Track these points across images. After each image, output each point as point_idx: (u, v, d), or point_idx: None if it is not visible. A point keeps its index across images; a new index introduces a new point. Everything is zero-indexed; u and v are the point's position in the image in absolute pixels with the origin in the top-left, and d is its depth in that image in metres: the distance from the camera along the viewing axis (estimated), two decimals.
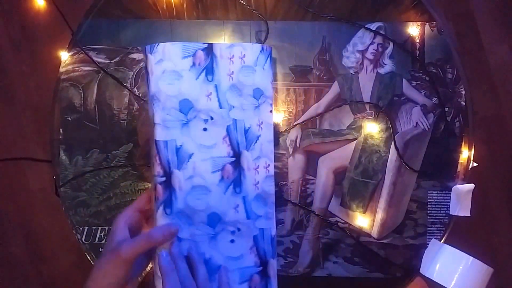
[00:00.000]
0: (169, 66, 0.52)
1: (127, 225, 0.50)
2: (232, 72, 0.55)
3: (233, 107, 0.55)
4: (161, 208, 0.52)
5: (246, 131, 0.55)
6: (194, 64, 0.53)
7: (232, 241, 0.53)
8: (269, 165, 0.56)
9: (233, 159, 0.54)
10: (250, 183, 0.54)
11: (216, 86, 0.54)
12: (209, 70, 0.54)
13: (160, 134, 0.52)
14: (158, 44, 0.53)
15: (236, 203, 0.54)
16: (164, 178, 0.52)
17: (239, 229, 0.54)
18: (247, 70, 0.55)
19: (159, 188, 0.52)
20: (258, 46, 0.57)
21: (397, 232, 0.69)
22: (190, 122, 0.53)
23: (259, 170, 0.55)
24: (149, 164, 0.56)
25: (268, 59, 0.57)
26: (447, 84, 0.69)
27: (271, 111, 0.57)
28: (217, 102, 0.54)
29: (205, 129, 0.53)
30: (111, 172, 0.69)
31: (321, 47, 0.69)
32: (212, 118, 0.54)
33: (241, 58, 0.55)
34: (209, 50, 0.54)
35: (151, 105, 0.53)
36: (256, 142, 0.55)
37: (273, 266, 0.55)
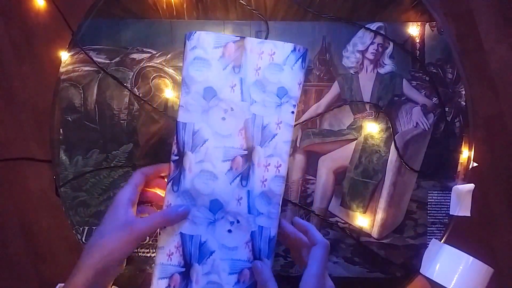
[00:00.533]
0: (200, 54, 0.55)
1: (130, 202, 0.52)
2: (260, 67, 0.56)
3: (255, 101, 0.56)
4: (170, 184, 0.55)
5: (263, 128, 0.55)
6: (223, 55, 0.56)
7: (229, 231, 0.54)
8: (280, 165, 0.56)
9: (245, 152, 0.55)
10: (258, 179, 0.55)
11: (241, 79, 0.55)
12: (237, 62, 0.56)
13: (181, 116, 0.55)
14: (195, 32, 0.56)
15: (240, 195, 0.54)
16: (177, 157, 0.55)
17: (238, 221, 0.54)
18: (275, 68, 0.56)
19: (172, 165, 0.55)
20: (290, 45, 0.57)
21: (397, 232, 0.69)
22: (211, 109, 0.55)
23: (269, 168, 0.55)
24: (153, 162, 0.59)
25: (300, 59, 0.57)
26: (447, 84, 0.69)
27: (292, 112, 0.57)
28: (240, 94, 0.55)
29: (223, 119, 0.55)
30: (111, 172, 0.69)
31: (321, 47, 0.69)
32: (232, 109, 0.55)
33: (271, 55, 0.56)
34: (240, 43, 0.56)
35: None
36: (271, 140, 0.55)
37: (266, 268, 0.54)
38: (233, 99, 0.55)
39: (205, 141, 0.54)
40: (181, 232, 0.54)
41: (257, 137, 0.55)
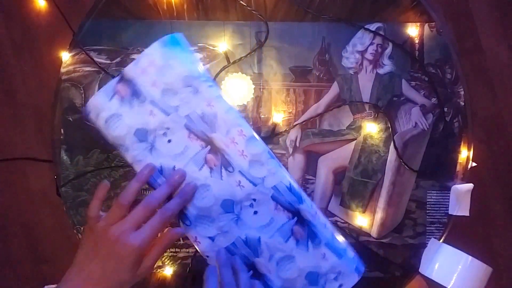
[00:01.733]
0: (105, 115, 0.54)
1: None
2: (154, 80, 0.55)
3: (177, 106, 0.55)
4: (181, 223, 0.55)
5: (202, 118, 0.55)
6: (121, 98, 0.55)
7: (255, 212, 0.55)
8: (241, 130, 0.55)
9: (208, 147, 0.55)
10: (236, 156, 0.55)
11: (151, 101, 0.55)
12: (136, 94, 0.55)
13: (139, 168, 0.54)
14: (85, 106, 0.55)
15: (236, 180, 0.54)
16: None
17: (254, 200, 0.55)
18: (164, 70, 0.55)
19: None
20: (155, 45, 0.56)
21: (396, 231, 0.69)
22: (154, 144, 0.55)
23: (236, 140, 0.55)
24: None
25: (173, 45, 0.56)
26: (446, 84, 0.70)
27: (210, 85, 0.56)
28: (161, 112, 0.55)
29: (169, 141, 0.55)
30: (112, 172, 0.69)
31: (321, 48, 0.70)
32: (168, 128, 0.55)
33: (151, 64, 0.55)
34: (123, 79, 0.55)
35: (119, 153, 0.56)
36: (216, 120, 0.55)
37: (305, 210, 0.54)
38: (160, 120, 0.55)
39: (173, 168, 0.54)
40: (224, 248, 0.54)
41: (205, 129, 0.55)
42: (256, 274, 0.54)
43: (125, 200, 0.49)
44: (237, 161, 0.55)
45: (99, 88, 0.70)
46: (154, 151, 0.54)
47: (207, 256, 0.54)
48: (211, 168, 0.54)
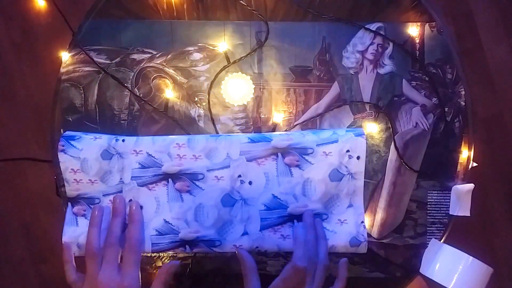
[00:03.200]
0: (83, 238, 0.57)
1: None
2: (88, 179, 0.59)
3: (120, 179, 0.59)
4: (213, 249, 0.57)
5: (143, 167, 0.58)
6: (84, 216, 0.59)
7: (250, 183, 0.56)
8: (176, 144, 0.58)
9: (170, 180, 0.57)
10: (194, 164, 0.57)
11: (104, 195, 0.59)
12: (90, 201, 0.59)
13: (146, 246, 0.58)
14: (63, 244, 0.60)
15: (212, 178, 0.56)
16: (178, 240, 0.58)
17: (239, 176, 0.56)
18: (84, 167, 0.59)
19: (200, 247, 0.58)
20: (60, 155, 0.60)
21: (397, 232, 0.69)
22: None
23: (181, 154, 0.57)
24: None
25: (72, 141, 0.61)
26: (446, 84, 0.70)
27: (123, 140, 0.60)
28: (116, 194, 0.58)
29: (141, 207, 0.58)
30: None
31: (321, 48, 0.70)
32: (131, 200, 0.58)
33: (74, 172, 0.59)
34: (72, 200, 0.60)
35: None
36: (153, 157, 0.58)
37: (278, 141, 0.56)
38: (123, 200, 0.57)
39: (165, 221, 0.57)
40: (259, 231, 0.56)
41: (153, 171, 0.57)
42: (298, 218, 0.56)
43: (93, 249, 0.52)
44: (199, 166, 0.56)
45: (99, 88, 0.70)
46: (142, 189, 0.58)
47: (257, 247, 0.56)
48: (188, 191, 0.56)
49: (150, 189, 0.56)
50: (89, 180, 0.58)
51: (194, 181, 0.56)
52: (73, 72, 0.70)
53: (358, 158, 0.57)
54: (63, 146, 0.59)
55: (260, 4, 0.70)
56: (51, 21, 0.78)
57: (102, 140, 0.59)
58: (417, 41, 0.70)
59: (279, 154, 0.56)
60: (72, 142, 0.59)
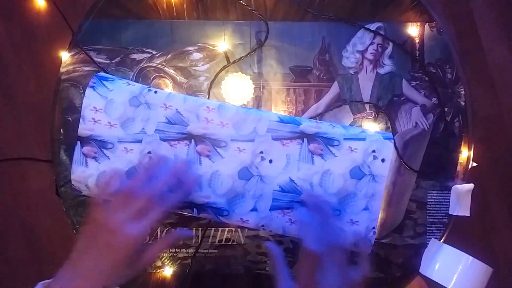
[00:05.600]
0: (92, 181, 0.57)
1: None
2: (108, 122, 0.57)
3: (142, 129, 0.57)
4: (220, 218, 0.57)
5: (170, 122, 0.56)
6: (95, 158, 0.57)
7: (270, 161, 0.56)
8: (207, 107, 0.57)
9: (193, 141, 0.56)
10: (219, 130, 0.56)
11: (119, 142, 0.57)
12: (102, 145, 0.57)
13: None
14: (72, 185, 0.59)
15: (235, 149, 0.55)
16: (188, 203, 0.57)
17: (262, 152, 0.56)
18: (109, 107, 0.57)
19: (207, 212, 0.57)
20: (88, 91, 0.58)
21: (396, 231, 0.69)
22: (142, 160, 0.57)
23: (209, 118, 0.56)
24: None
25: (104, 81, 0.59)
26: (446, 84, 0.70)
27: (155, 92, 0.58)
28: (135, 144, 0.57)
29: (149, 152, 0.57)
30: None
31: (321, 47, 0.70)
32: (150, 152, 0.57)
33: (96, 111, 0.57)
34: (82, 140, 0.58)
35: None
36: (182, 115, 0.56)
37: (307, 128, 0.56)
38: (138, 151, 0.56)
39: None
40: (269, 210, 0.55)
41: (178, 128, 0.56)
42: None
43: (134, 187, 0.49)
44: (223, 133, 0.56)
45: None
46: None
47: (263, 226, 0.56)
48: (208, 156, 0.56)
49: (171, 145, 0.55)
50: (108, 122, 0.56)
51: (216, 147, 0.55)
52: (73, 72, 0.70)
53: (383, 160, 0.56)
54: (94, 83, 0.57)
55: (260, 4, 0.70)
56: (51, 21, 0.78)
57: (135, 87, 0.57)
58: (417, 41, 0.70)
59: (305, 139, 0.55)
60: (104, 82, 0.57)
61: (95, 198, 0.49)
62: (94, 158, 0.56)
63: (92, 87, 0.57)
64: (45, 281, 0.49)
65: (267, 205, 0.55)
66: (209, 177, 0.55)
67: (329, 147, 0.55)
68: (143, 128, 0.56)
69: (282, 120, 0.56)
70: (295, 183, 0.55)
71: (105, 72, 0.68)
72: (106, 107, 0.56)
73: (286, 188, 0.55)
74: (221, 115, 0.56)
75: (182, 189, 0.52)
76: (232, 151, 0.55)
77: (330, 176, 0.55)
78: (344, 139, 0.55)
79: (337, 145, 0.55)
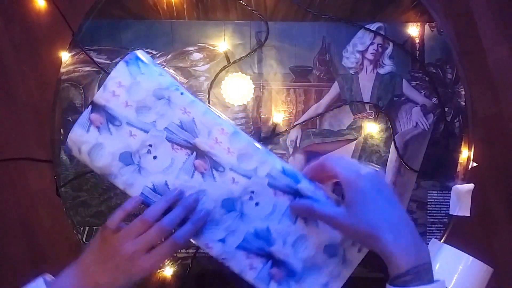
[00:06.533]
0: (86, 147, 0.54)
1: None
2: (126, 101, 0.55)
3: (153, 122, 0.55)
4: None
5: (181, 127, 0.55)
6: (98, 128, 0.55)
7: (257, 204, 0.55)
8: (222, 128, 0.55)
9: (194, 153, 0.55)
10: (223, 154, 0.55)
11: (127, 123, 0.55)
12: (112, 119, 0.55)
13: (133, 192, 0.54)
14: (67, 141, 0.55)
15: (230, 178, 0.54)
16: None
17: (253, 192, 0.55)
18: (132, 89, 0.55)
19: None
20: (121, 64, 0.56)
21: None
22: (140, 163, 0.55)
23: (218, 139, 0.55)
24: None
25: (138, 62, 0.56)
26: (446, 84, 0.70)
27: (181, 93, 0.56)
28: (141, 131, 0.55)
29: (155, 157, 0.55)
30: None
31: (321, 48, 0.70)
32: (151, 145, 0.55)
33: (120, 85, 0.55)
34: (96, 107, 0.55)
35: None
36: (195, 125, 0.55)
37: (304, 188, 0.54)
38: (142, 139, 0.55)
39: (166, 183, 0.55)
40: (235, 247, 0.54)
41: (187, 136, 0.55)
42: (276, 262, 0.54)
43: (150, 217, 0.50)
44: (226, 159, 0.54)
45: (98, 88, 0.69)
46: (142, 171, 0.55)
47: (223, 259, 0.54)
48: (202, 173, 0.55)
49: (173, 148, 0.54)
50: (125, 101, 0.54)
51: (213, 169, 0.54)
52: (73, 72, 0.70)
53: (359, 250, 0.56)
54: (130, 59, 0.56)
55: (260, 4, 0.70)
56: (51, 21, 0.78)
57: (164, 80, 0.56)
58: (417, 41, 0.70)
59: (296, 199, 0.55)
60: (139, 62, 0.56)
61: (110, 222, 0.50)
62: (98, 128, 0.55)
63: (126, 62, 0.55)
64: (47, 275, 0.51)
65: (235, 242, 0.54)
66: (209, 213, 0.55)
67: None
68: (155, 121, 0.55)
69: (284, 172, 0.55)
70: (271, 234, 0.55)
71: (106, 72, 0.68)
72: (131, 87, 0.55)
73: (260, 235, 0.55)
74: (231, 141, 0.55)
75: (193, 223, 0.52)
76: (226, 179, 0.55)
77: (304, 242, 0.55)
78: None
79: None
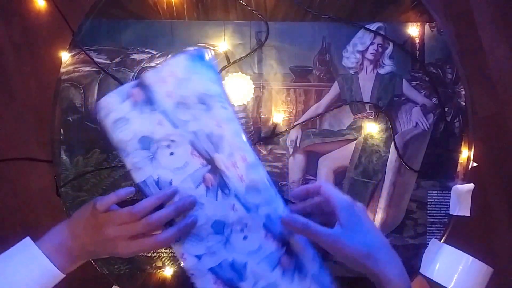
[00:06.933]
0: (114, 116, 0.54)
1: None
2: (171, 91, 0.55)
3: (186, 121, 0.55)
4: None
5: (208, 137, 0.55)
6: (133, 103, 0.55)
7: (245, 237, 0.54)
8: (245, 156, 0.54)
9: (209, 166, 0.54)
10: (235, 179, 0.54)
11: (162, 112, 0.55)
12: (149, 101, 0.55)
13: (136, 177, 0.54)
14: (99, 102, 0.55)
15: (231, 203, 0.54)
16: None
17: (246, 225, 0.54)
18: (183, 83, 0.55)
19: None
20: (182, 56, 0.56)
21: (397, 232, 0.69)
22: (156, 154, 0.55)
23: (237, 164, 0.54)
24: None
25: (199, 60, 0.56)
26: (446, 84, 0.70)
27: (224, 107, 0.55)
28: (170, 124, 0.55)
29: (172, 154, 0.55)
30: (112, 172, 0.69)
31: (321, 48, 0.70)
32: (173, 141, 0.55)
33: (171, 75, 0.55)
34: (140, 84, 0.55)
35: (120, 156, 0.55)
36: (222, 141, 0.55)
37: (295, 242, 0.54)
38: (167, 132, 0.55)
39: (170, 182, 0.54)
40: (209, 269, 0.53)
41: (209, 148, 0.54)
42: None
43: (138, 212, 0.51)
44: (235, 185, 0.54)
45: (98, 88, 0.70)
46: (154, 161, 0.54)
47: (192, 274, 0.53)
48: (207, 187, 0.54)
49: (191, 153, 0.54)
50: (170, 91, 0.53)
51: (219, 188, 0.54)
52: (73, 72, 0.70)
53: None
54: (193, 55, 0.54)
55: (260, 4, 0.70)
56: (51, 21, 0.78)
57: (213, 88, 0.55)
58: (417, 41, 0.70)
59: (284, 249, 0.54)
60: (200, 62, 0.55)
61: (101, 205, 0.52)
62: (134, 103, 0.54)
63: (189, 56, 0.55)
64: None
65: (210, 264, 0.53)
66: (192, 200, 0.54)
67: (296, 271, 0.54)
68: (188, 121, 0.54)
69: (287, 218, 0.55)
70: (246, 271, 0.54)
71: (106, 72, 0.68)
72: (182, 81, 0.54)
73: (236, 267, 0.54)
74: (247, 171, 0.54)
75: (178, 232, 0.52)
76: (227, 202, 0.54)
77: None
78: (312, 276, 0.54)
79: (302, 276, 0.54)
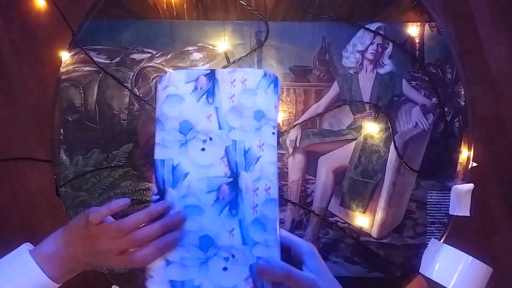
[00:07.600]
0: (172, 91, 0.54)
1: None
2: (233, 95, 0.55)
3: (233, 128, 0.54)
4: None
5: (245, 152, 0.53)
6: (196, 88, 0.55)
7: (225, 268, 0.50)
8: (270, 187, 0.52)
9: (230, 179, 0.52)
10: (248, 205, 0.51)
11: (216, 108, 0.55)
12: (210, 93, 0.55)
13: (158, 153, 0.53)
14: (167, 74, 0.55)
15: (231, 226, 0.51)
16: (157, 197, 0.52)
17: (233, 256, 0.50)
18: (248, 93, 0.55)
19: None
20: (260, 71, 0.56)
21: (396, 231, 0.69)
22: (189, 142, 0.54)
23: (258, 192, 0.52)
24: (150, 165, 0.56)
25: (272, 84, 0.56)
26: (446, 84, 0.70)
27: (273, 133, 0.54)
28: (217, 123, 0.54)
29: (203, 149, 0.54)
30: (111, 172, 0.69)
31: (321, 48, 0.70)
32: (211, 139, 0.54)
33: (243, 82, 0.55)
34: (211, 75, 0.55)
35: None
36: (256, 163, 0.53)
37: None
38: (210, 128, 0.54)
39: (186, 174, 0.52)
40: (170, 280, 0.49)
41: (241, 163, 0.52)
42: None
43: (126, 227, 0.49)
44: (245, 211, 0.51)
45: (98, 88, 0.70)
46: (183, 148, 0.53)
47: (151, 277, 0.49)
48: (218, 198, 0.51)
49: (221, 158, 0.52)
50: (233, 95, 0.54)
51: (229, 205, 0.51)
52: (73, 72, 0.70)
53: None
54: (269, 75, 0.55)
55: (260, 4, 0.70)
56: (51, 21, 0.78)
57: (271, 111, 0.55)
58: (417, 41, 0.70)
59: None
60: (273, 84, 0.55)
61: (94, 217, 0.50)
62: (195, 88, 0.54)
63: (265, 74, 0.55)
64: (28, 244, 0.53)
65: (174, 276, 0.49)
66: (183, 207, 0.52)
67: None
68: (234, 128, 0.53)
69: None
70: None
71: (106, 72, 0.68)
72: (246, 91, 0.54)
73: None
74: (264, 204, 0.51)
75: (156, 252, 0.49)
76: (228, 224, 0.51)
77: None
78: None
79: None
